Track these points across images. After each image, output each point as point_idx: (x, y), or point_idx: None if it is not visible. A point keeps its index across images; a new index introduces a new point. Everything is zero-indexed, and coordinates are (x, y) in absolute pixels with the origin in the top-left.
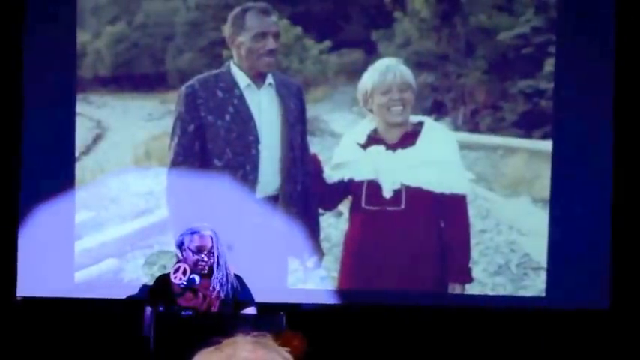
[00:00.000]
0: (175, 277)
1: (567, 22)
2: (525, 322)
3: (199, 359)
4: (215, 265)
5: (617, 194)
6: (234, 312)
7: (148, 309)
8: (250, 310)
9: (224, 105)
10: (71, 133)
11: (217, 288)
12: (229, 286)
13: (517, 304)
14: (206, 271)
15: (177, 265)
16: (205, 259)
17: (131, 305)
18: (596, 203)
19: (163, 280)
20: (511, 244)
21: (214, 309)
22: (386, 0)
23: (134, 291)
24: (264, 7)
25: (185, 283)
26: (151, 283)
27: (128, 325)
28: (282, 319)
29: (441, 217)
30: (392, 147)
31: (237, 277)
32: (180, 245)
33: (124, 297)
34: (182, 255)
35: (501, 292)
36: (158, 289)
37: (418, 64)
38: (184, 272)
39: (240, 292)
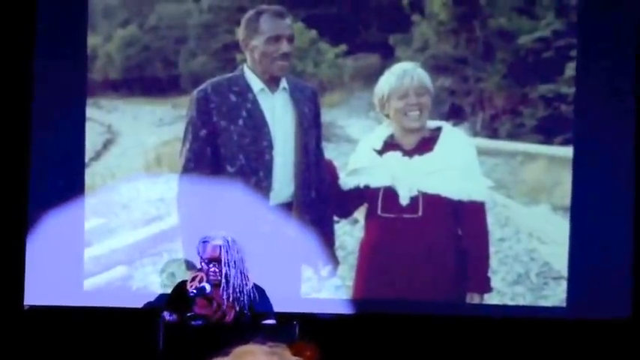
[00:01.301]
0: (191, 286)
1: (589, 25)
2: (545, 333)
3: None
4: (227, 275)
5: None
6: (246, 322)
7: (165, 314)
8: (269, 323)
9: (237, 109)
10: (81, 138)
11: (230, 298)
12: (245, 297)
13: (537, 315)
14: (219, 281)
15: (195, 274)
16: (215, 269)
17: (144, 315)
18: (618, 211)
19: (181, 286)
20: (531, 253)
21: (229, 319)
22: (403, 3)
23: (142, 299)
24: (278, 10)
25: (195, 292)
26: (163, 291)
27: (138, 335)
28: (295, 329)
29: (459, 225)
30: (409, 153)
31: (258, 289)
32: (198, 254)
33: (133, 306)
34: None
35: (521, 302)
36: (175, 296)
37: (436, 68)
38: (200, 281)
39: (258, 304)
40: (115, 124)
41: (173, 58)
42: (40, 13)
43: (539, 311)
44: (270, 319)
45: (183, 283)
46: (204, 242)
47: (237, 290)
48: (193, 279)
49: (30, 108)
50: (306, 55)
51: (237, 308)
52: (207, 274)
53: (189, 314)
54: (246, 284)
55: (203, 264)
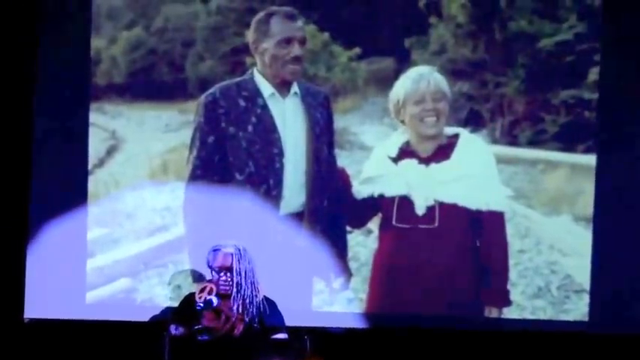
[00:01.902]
0: (200, 297)
1: (613, 28)
2: (567, 349)
3: None
4: (237, 285)
5: None
6: (255, 336)
7: (172, 327)
8: (281, 337)
9: (246, 115)
10: (84, 145)
11: (240, 310)
12: (254, 309)
13: (558, 329)
14: (229, 292)
15: (204, 285)
16: (226, 278)
17: (149, 329)
18: None
19: (190, 298)
20: (552, 265)
21: (237, 332)
22: (420, 4)
23: (147, 313)
24: (289, 12)
25: (202, 305)
26: (169, 304)
27: (143, 351)
28: (306, 344)
29: (477, 236)
30: (425, 160)
31: (268, 301)
32: (208, 264)
33: (137, 319)
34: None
35: (541, 316)
36: (183, 308)
37: (453, 73)
38: (210, 292)
39: (268, 317)
40: (119, 130)
41: (180, 61)
42: (43, 15)
43: (561, 326)
44: (281, 333)
45: (191, 295)
46: (214, 251)
47: (248, 301)
48: (202, 290)
49: (31, 113)
50: (319, 59)
51: (247, 320)
52: (217, 284)
53: (197, 327)
54: (256, 296)
55: (214, 273)
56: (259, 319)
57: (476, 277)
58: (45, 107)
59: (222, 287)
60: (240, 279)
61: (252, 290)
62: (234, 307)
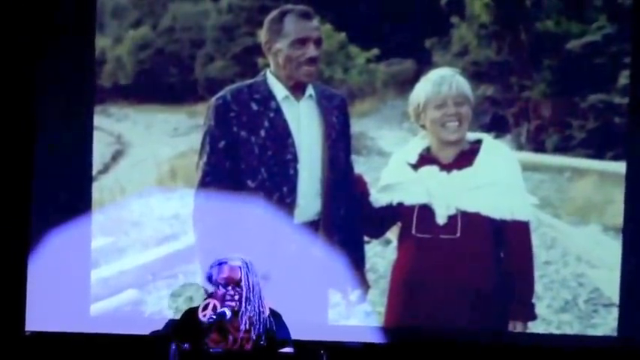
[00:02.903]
0: (204, 315)
1: None
2: None
3: None
4: (245, 300)
5: None
6: (264, 352)
7: (173, 347)
8: (287, 351)
9: (259, 119)
10: (88, 150)
11: (247, 327)
12: (261, 326)
13: (585, 345)
14: (236, 307)
15: (207, 302)
16: (233, 292)
17: (154, 343)
18: None
19: (191, 314)
20: (579, 278)
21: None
22: (441, 3)
23: (155, 326)
24: (304, 10)
25: (214, 317)
26: (176, 317)
27: None
28: (323, 359)
29: (501, 247)
30: (446, 167)
31: (274, 315)
32: (209, 279)
33: (145, 333)
34: (212, 289)
35: (568, 330)
36: (184, 325)
37: (477, 75)
38: (214, 309)
39: (275, 332)
40: (125, 133)
41: (189, 62)
42: (46, 12)
43: (588, 341)
44: (287, 347)
45: (192, 310)
46: (220, 264)
47: (255, 318)
48: (205, 307)
49: (33, 116)
50: (335, 60)
51: (254, 337)
52: (222, 300)
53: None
54: (263, 312)
55: (220, 287)
56: (266, 336)
57: (499, 289)
58: (47, 110)
59: (227, 303)
60: (249, 293)
61: (259, 305)
62: (242, 325)
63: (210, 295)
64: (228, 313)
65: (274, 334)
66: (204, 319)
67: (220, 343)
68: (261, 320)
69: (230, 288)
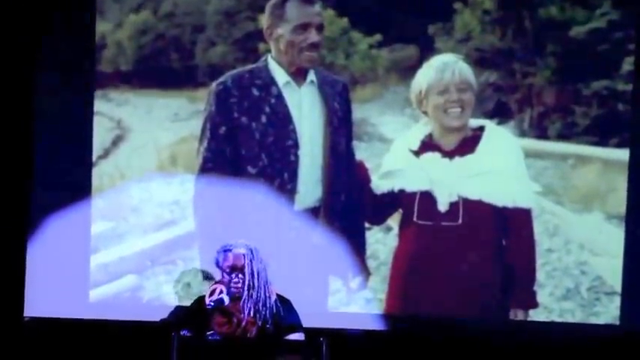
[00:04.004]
0: (211, 299)
1: None
2: (596, 353)
3: None
4: (248, 287)
5: None
6: (270, 337)
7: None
8: (297, 337)
9: (260, 105)
10: (88, 135)
11: (251, 312)
12: (267, 311)
13: (588, 333)
14: (240, 293)
15: (214, 287)
16: (237, 279)
17: (155, 329)
18: None
19: (200, 302)
20: (581, 266)
21: (250, 335)
22: None
23: (154, 312)
24: None
25: (213, 304)
26: (178, 304)
27: (149, 352)
28: (322, 346)
29: (503, 234)
30: (448, 154)
31: (283, 300)
32: (217, 264)
33: (144, 319)
34: (219, 275)
35: (570, 319)
36: (193, 311)
37: (480, 62)
38: (220, 294)
39: (283, 317)
40: (125, 119)
41: (190, 47)
42: None
43: (590, 329)
44: (297, 332)
45: (202, 298)
46: (225, 251)
47: (260, 304)
48: (212, 293)
49: (32, 101)
50: (337, 46)
51: (259, 323)
52: (227, 286)
53: (208, 333)
54: (269, 297)
55: (225, 274)
56: (273, 321)
57: (501, 277)
58: (47, 95)
59: (232, 288)
60: (253, 280)
61: (264, 292)
62: (246, 310)
63: (217, 281)
64: (226, 300)
65: (281, 319)
66: (208, 302)
67: (224, 326)
68: (268, 306)
69: (234, 275)
